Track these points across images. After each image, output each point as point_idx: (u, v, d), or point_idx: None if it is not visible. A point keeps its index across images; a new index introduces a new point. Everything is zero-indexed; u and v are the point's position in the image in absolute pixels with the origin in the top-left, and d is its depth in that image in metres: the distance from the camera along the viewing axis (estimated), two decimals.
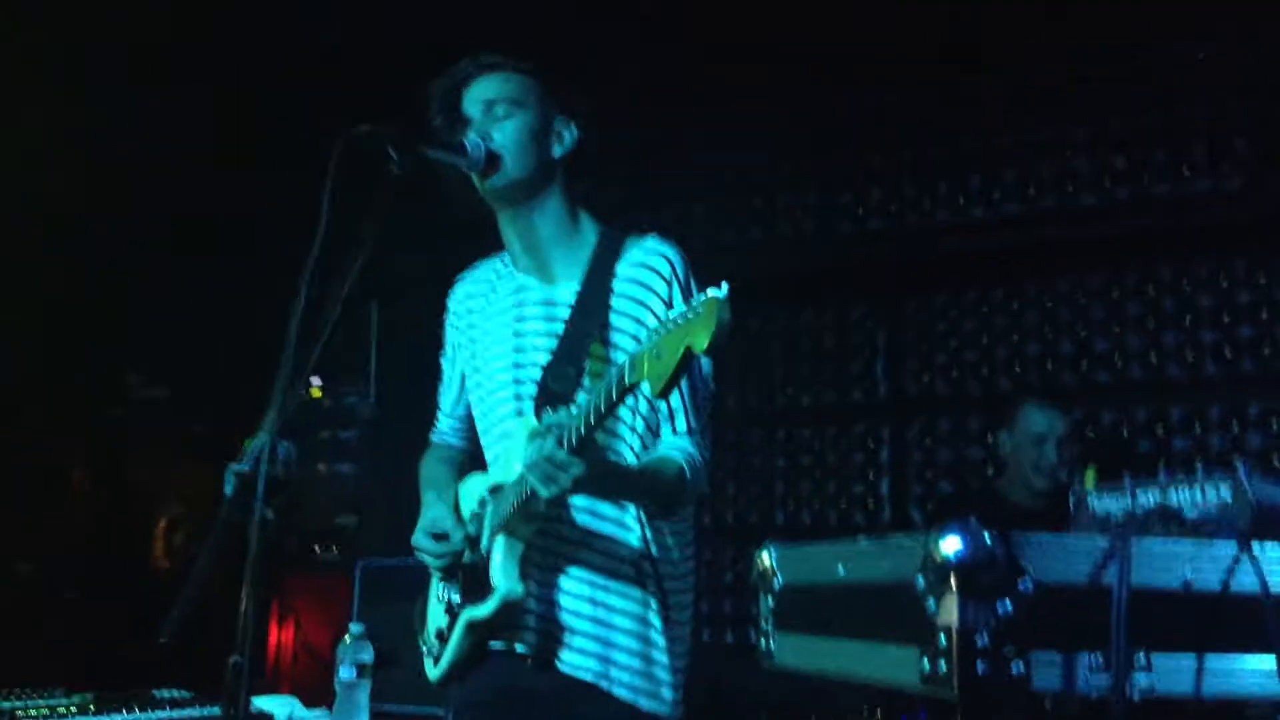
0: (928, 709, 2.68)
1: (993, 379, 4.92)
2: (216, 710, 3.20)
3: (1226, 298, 4.53)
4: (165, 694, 3.43)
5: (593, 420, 2.04)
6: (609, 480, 2.22)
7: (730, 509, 5.39)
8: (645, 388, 1.88)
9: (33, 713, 3.14)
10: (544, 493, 2.09)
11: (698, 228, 5.49)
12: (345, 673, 3.21)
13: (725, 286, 1.79)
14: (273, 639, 5.00)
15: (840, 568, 2.02)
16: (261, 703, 3.42)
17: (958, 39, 4.50)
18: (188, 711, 3.30)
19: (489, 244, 2.68)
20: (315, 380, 5.22)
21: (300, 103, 4.84)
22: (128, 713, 3.25)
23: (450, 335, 2.70)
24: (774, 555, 2.27)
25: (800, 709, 3.77)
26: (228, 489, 2.13)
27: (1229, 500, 1.95)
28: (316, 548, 5.14)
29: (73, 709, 3.24)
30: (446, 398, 2.73)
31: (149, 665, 3.21)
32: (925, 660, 1.71)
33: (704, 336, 1.77)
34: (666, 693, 2.37)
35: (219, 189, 5.25)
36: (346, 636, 3.25)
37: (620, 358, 2.37)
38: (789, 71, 4.79)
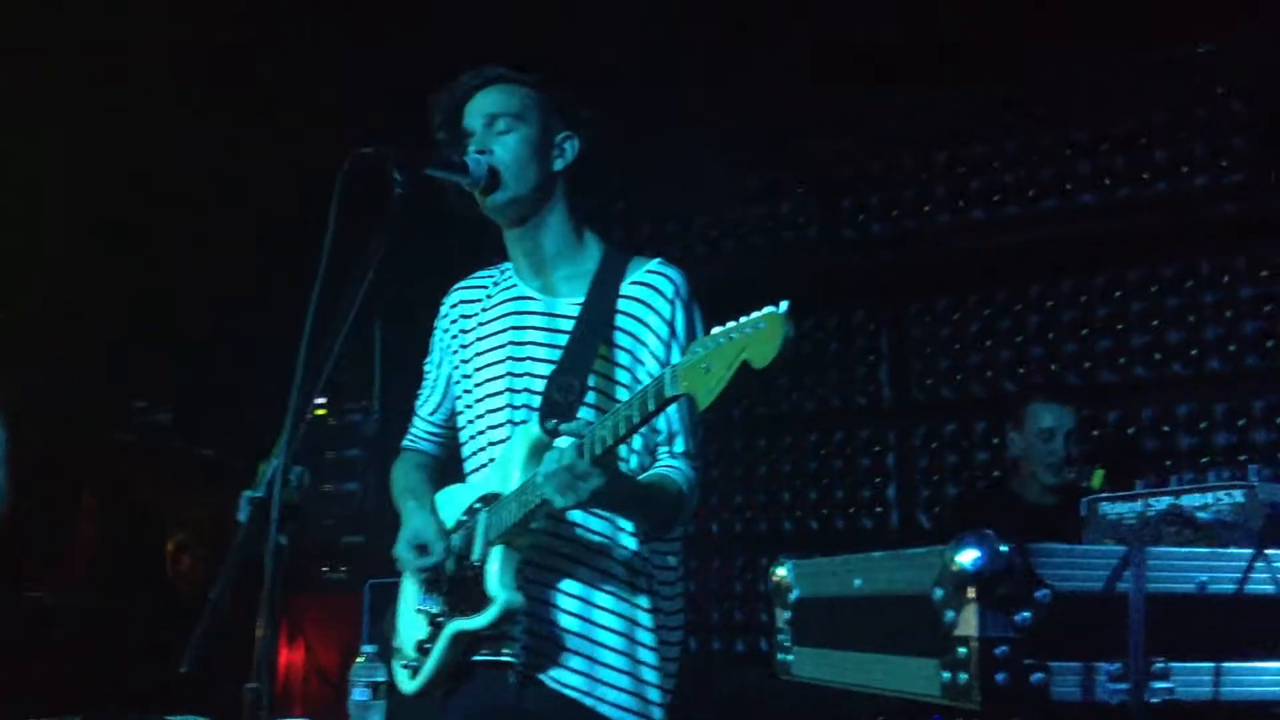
0: (943, 718, 2.68)
1: (997, 382, 4.93)
2: None
3: (1229, 294, 4.54)
4: None
5: (623, 431, 2.03)
6: (621, 494, 2.22)
7: (738, 518, 5.39)
8: (688, 401, 1.88)
9: None
10: (559, 503, 2.09)
11: (699, 235, 5.50)
12: (359, 694, 3.19)
13: (785, 303, 1.80)
14: (282, 661, 4.99)
15: (856, 580, 2.02)
16: None
17: (957, 42, 4.52)
18: None
19: (492, 258, 2.68)
20: (319, 400, 5.22)
21: (306, 125, 4.86)
22: None
23: (439, 340, 2.68)
24: (789, 569, 2.27)
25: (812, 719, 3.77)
26: (242, 516, 2.13)
27: (1242, 504, 1.96)
28: (324, 568, 5.13)
29: None
30: (427, 404, 2.70)
31: (162, 691, 3.20)
32: (945, 672, 1.71)
33: (768, 352, 1.79)
34: (656, 713, 2.34)
35: (223, 214, 5.27)
36: (359, 657, 3.24)
37: (622, 375, 2.37)
38: (789, 77, 4.81)
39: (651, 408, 2.00)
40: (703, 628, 5.31)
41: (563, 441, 2.14)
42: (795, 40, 4.66)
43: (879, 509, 5.14)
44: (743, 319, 1.86)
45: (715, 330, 1.90)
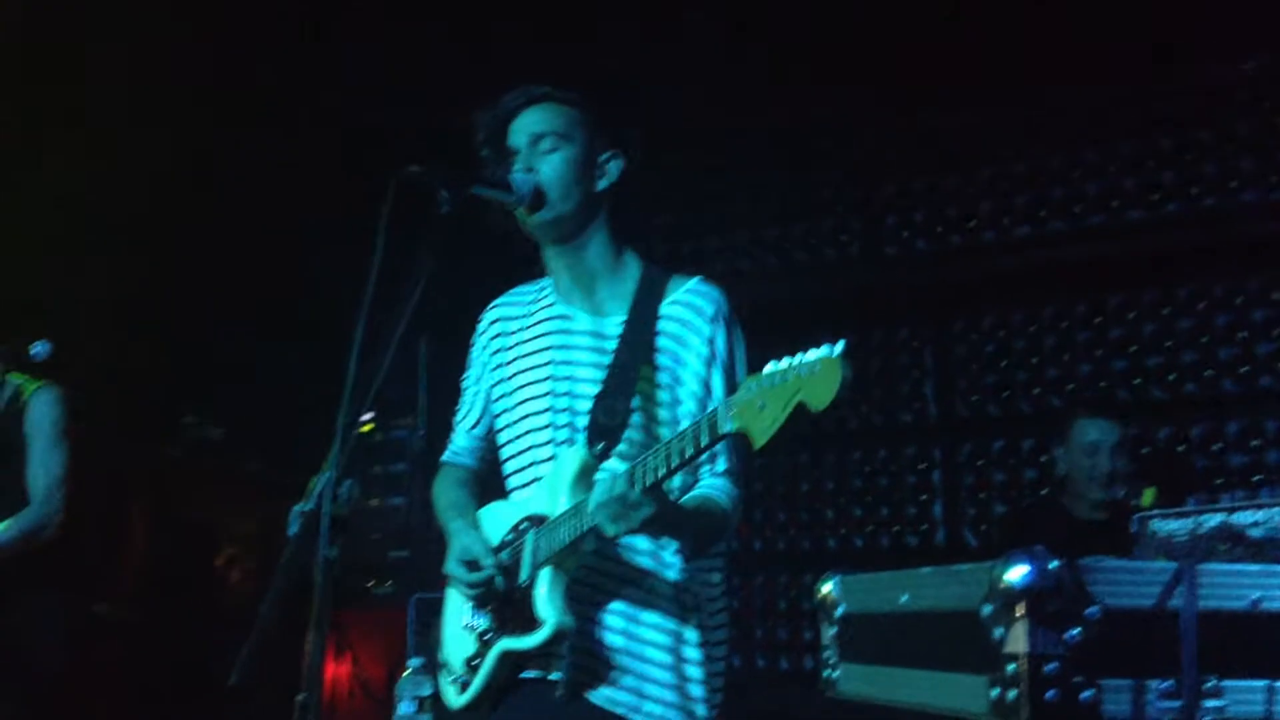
0: None
1: (1044, 398, 4.89)
2: None
3: (1278, 310, 4.48)
4: None
5: (675, 464, 2.05)
6: (669, 520, 2.22)
7: (781, 535, 5.37)
8: (745, 438, 1.89)
9: None
10: (610, 531, 2.11)
11: (743, 253, 5.51)
12: (405, 708, 3.23)
13: (841, 344, 1.80)
14: (329, 674, 5.02)
15: (903, 596, 2.02)
16: None
17: (1000, 60, 4.50)
18: None
19: (536, 275, 2.70)
20: (366, 415, 5.26)
21: (354, 143, 4.93)
22: None
23: (478, 355, 2.67)
24: (836, 584, 2.26)
25: None
26: (292, 529, 2.16)
27: None
28: (371, 582, 5.17)
29: None
30: (467, 419, 2.69)
31: (211, 703, 3.24)
32: (994, 688, 1.70)
33: (825, 395, 1.80)
34: None
35: (270, 230, 5.34)
36: (406, 671, 3.27)
37: (664, 396, 2.38)
38: (829, 96, 4.81)
39: (705, 442, 2.01)
40: (746, 645, 5.29)
41: (612, 465, 2.14)
42: (839, 58, 4.67)
43: (924, 526, 5.11)
44: (798, 358, 1.86)
45: (769, 369, 1.90)
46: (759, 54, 4.68)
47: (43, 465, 3.99)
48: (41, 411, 4.04)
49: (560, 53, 4.48)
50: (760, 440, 1.87)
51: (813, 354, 1.83)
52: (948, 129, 5.08)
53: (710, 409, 2.03)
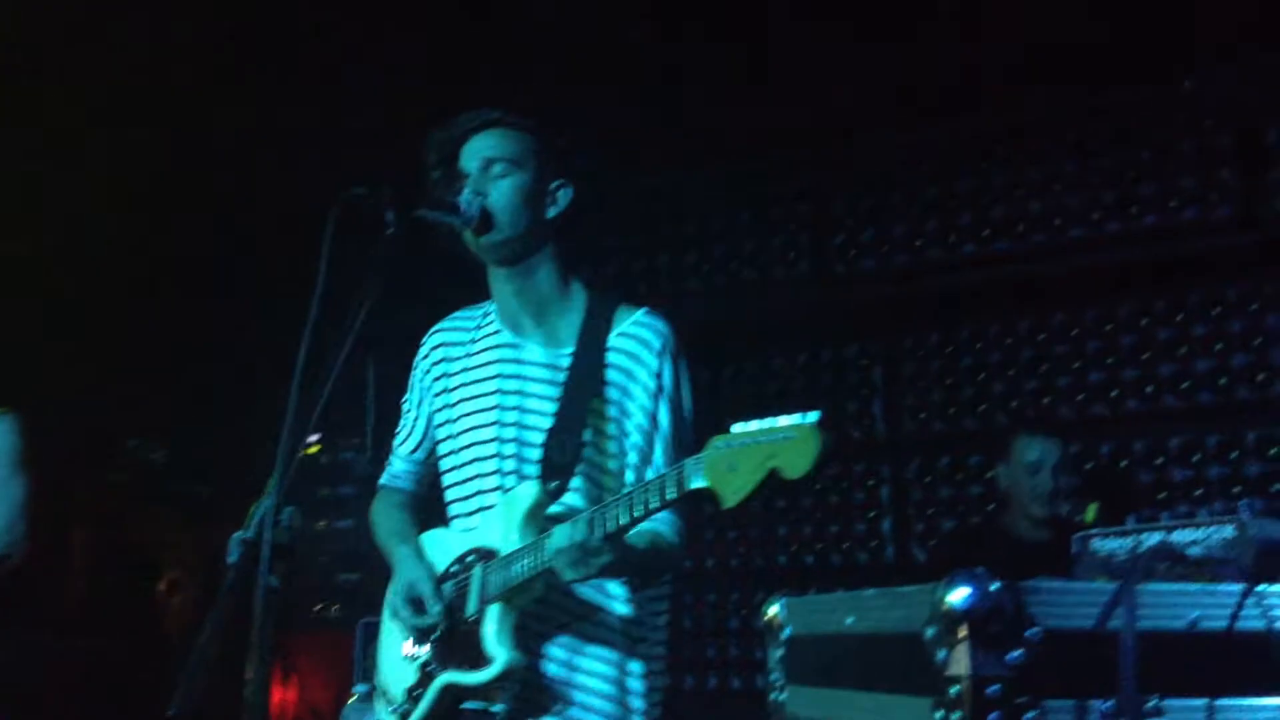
0: None
1: (990, 415, 4.93)
2: None
3: (1219, 326, 4.56)
4: None
5: (638, 514, 2.05)
6: (624, 565, 2.22)
7: (733, 553, 5.37)
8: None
9: None
10: (568, 576, 2.11)
11: (691, 272, 5.52)
12: None
13: (817, 414, 1.81)
14: (276, 699, 4.95)
15: (849, 618, 2.02)
16: None
17: (944, 81, 4.56)
18: None
19: (483, 298, 2.68)
20: (313, 437, 5.22)
21: (297, 163, 4.89)
22: None
23: (419, 380, 2.66)
24: (782, 607, 2.27)
25: None
26: (232, 557, 2.12)
27: (1232, 539, 1.96)
28: (318, 606, 5.11)
29: None
30: (407, 442, 2.67)
31: None
32: (938, 711, 1.71)
33: (801, 465, 1.81)
34: None
35: (217, 253, 5.29)
36: (352, 697, 3.24)
37: (613, 429, 2.37)
38: (779, 117, 4.85)
39: (671, 496, 2.01)
40: (699, 664, 5.29)
41: (567, 500, 2.12)
42: (786, 78, 4.71)
43: (874, 543, 5.13)
44: (771, 422, 1.85)
45: (738, 429, 1.90)
46: (707, 72, 4.71)
47: (3, 495, 3.92)
48: None
49: (506, 75, 4.48)
50: (730, 501, 1.87)
51: (785, 420, 1.83)
52: (894, 148, 5.13)
53: (678, 465, 2.02)
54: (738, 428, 1.90)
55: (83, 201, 4.97)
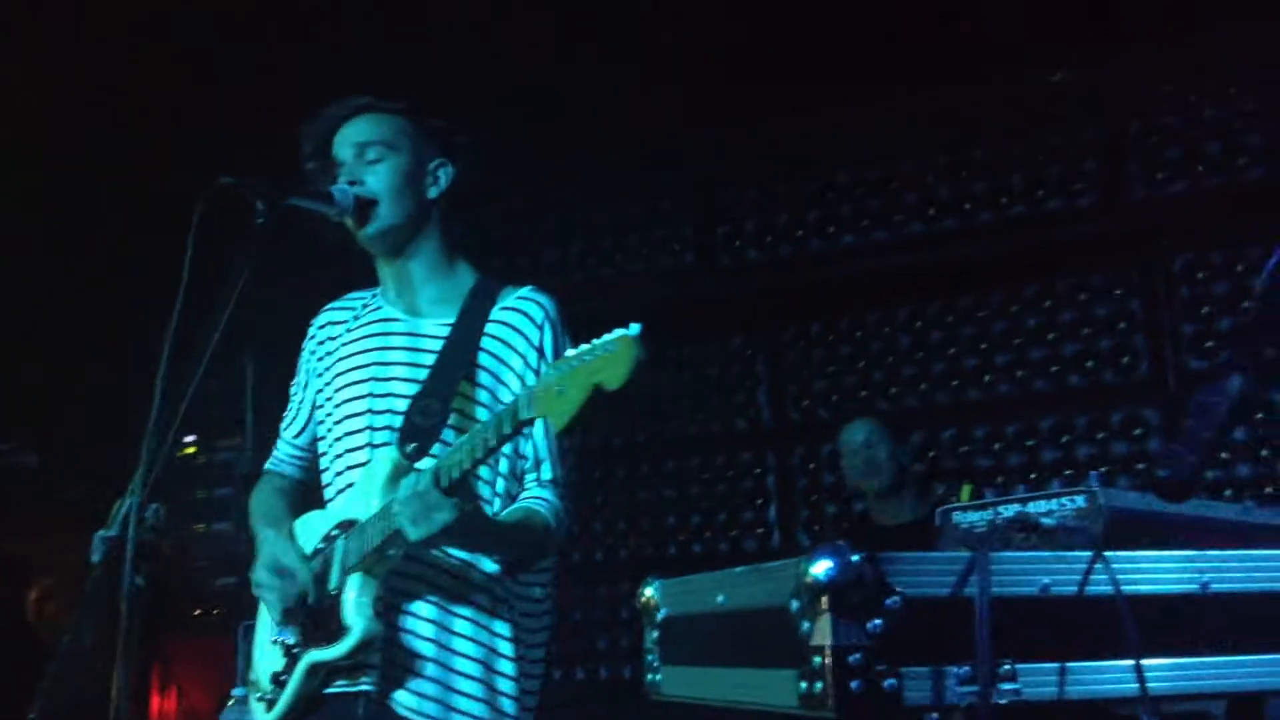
0: None
1: (871, 402, 5.04)
2: None
3: (1086, 311, 4.72)
4: None
5: (479, 455, 2.03)
6: (476, 532, 2.20)
7: (622, 543, 5.40)
8: (543, 424, 1.88)
9: None
10: (412, 535, 2.06)
11: (578, 265, 5.53)
12: None
13: (637, 326, 1.82)
14: (155, 706, 4.83)
15: (720, 596, 2.05)
16: None
17: (826, 71, 4.63)
18: None
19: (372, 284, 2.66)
20: (189, 437, 5.10)
21: (165, 155, 4.77)
22: None
23: (305, 362, 2.63)
24: (656, 589, 2.29)
25: None
26: (95, 557, 2.07)
27: (1084, 508, 2.04)
28: (197, 610, 4.99)
29: None
30: (291, 426, 2.64)
31: None
32: (802, 682, 1.74)
33: (619, 375, 1.82)
34: None
35: (84, 248, 5.13)
36: (230, 701, 3.18)
37: (484, 397, 2.37)
38: (663, 109, 4.88)
39: (507, 431, 2.00)
40: (589, 655, 5.30)
41: (423, 463, 2.12)
42: (670, 67, 4.74)
43: (761, 530, 5.21)
44: (595, 342, 1.87)
45: (568, 353, 1.92)
46: (591, 58, 4.71)
47: None
48: None
49: (386, 60, 4.43)
50: (560, 423, 1.88)
51: (607, 336, 1.85)
52: (778, 139, 5.20)
53: (512, 399, 2.03)
54: (570, 352, 1.92)
55: None
